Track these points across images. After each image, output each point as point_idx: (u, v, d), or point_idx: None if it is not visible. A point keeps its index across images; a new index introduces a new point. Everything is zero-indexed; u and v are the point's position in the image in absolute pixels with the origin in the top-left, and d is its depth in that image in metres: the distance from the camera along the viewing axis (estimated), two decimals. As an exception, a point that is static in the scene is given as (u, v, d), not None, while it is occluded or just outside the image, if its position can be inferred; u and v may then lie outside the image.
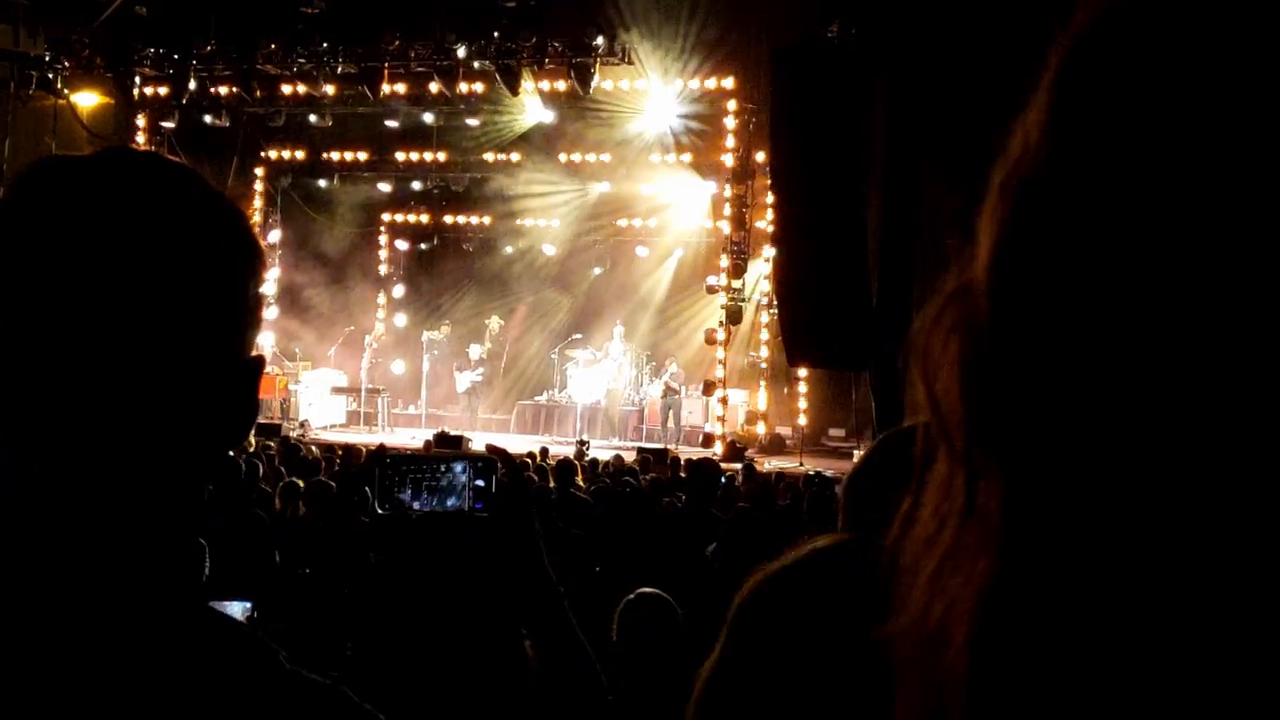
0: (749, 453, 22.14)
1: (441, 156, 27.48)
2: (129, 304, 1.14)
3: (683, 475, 13.82)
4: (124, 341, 1.14)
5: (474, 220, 30.22)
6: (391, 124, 26.26)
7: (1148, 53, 0.58)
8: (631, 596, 5.26)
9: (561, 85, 23.27)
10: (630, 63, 22.46)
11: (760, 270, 24.59)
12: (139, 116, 26.79)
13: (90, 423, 1.14)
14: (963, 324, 0.64)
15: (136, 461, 1.17)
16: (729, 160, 23.85)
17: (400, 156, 27.85)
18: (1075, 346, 0.58)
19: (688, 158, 25.21)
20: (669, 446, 21.90)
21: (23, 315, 1.14)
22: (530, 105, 24.37)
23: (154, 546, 1.19)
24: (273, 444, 16.87)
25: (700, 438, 23.99)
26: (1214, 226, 0.55)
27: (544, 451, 17.57)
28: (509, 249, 30.27)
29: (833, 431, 25.47)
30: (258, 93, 25.05)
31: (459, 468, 2.12)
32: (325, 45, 24.06)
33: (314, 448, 17.12)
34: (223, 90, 25.37)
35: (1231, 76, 0.55)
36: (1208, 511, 0.55)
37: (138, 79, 25.51)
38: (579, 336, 27.74)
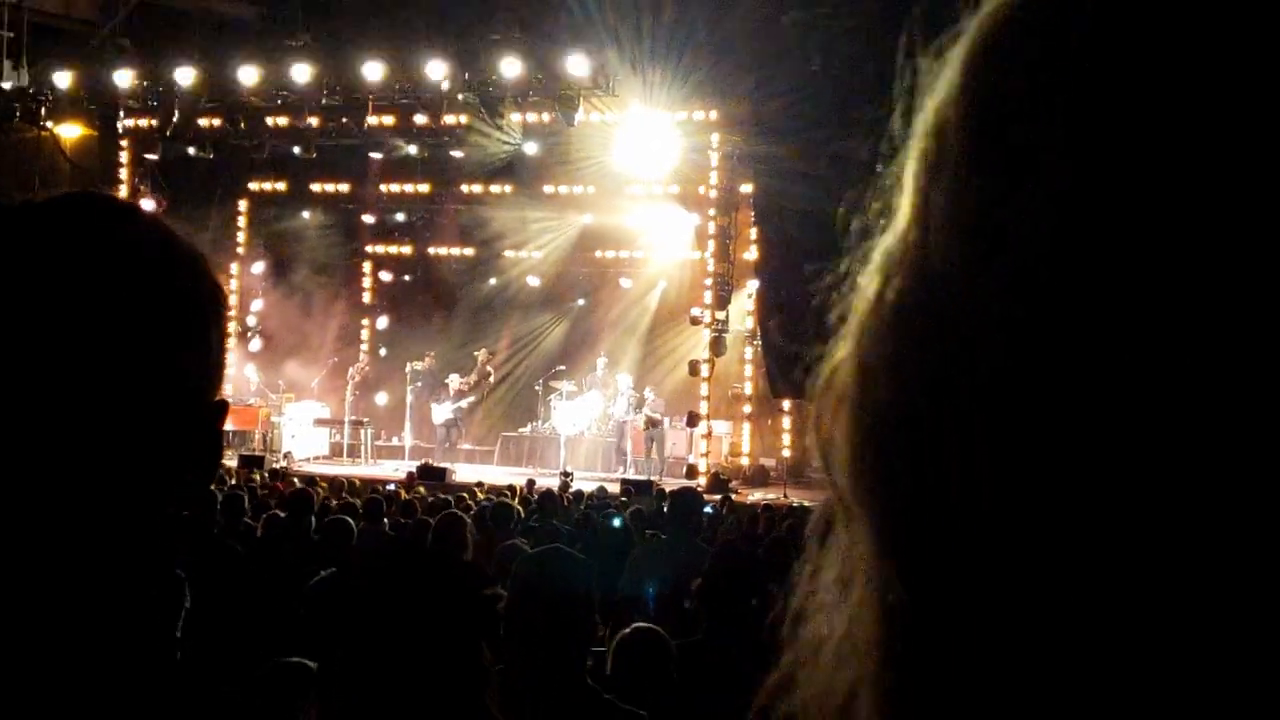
0: (732, 484, 22.12)
1: (425, 188, 27.50)
2: (87, 354, 1.14)
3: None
4: (83, 391, 1.14)
5: (458, 252, 30.23)
6: (375, 156, 26.28)
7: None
8: (627, 632, 5.25)
9: (546, 117, 23.32)
10: (614, 95, 22.52)
11: (744, 302, 24.62)
12: (122, 148, 26.77)
13: (49, 472, 1.14)
14: (842, 393, 0.64)
15: (97, 511, 1.16)
16: (712, 192, 23.90)
17: (384, 188, 27.86)
18: (931, 424, 0.58)
19: (672, 189, 25.27)
20: (653, 478, 21.88)
21: None
22: (514, 137, 24.41)
23: (118, 595, 1.18)
24: (256, 476, 16.83)
25: (684, 469, 23.97)
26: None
27: (530, 484, 17.54)
28: (493, 280, 30.30)
29: (816, 463, 25.44)
30: (241, 125, 25.06)
31: None
32: (309, 78, 24.08)
33: (295, 480, 17.07)
34: (206, 122, 25.36)
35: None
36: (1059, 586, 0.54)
37: (121, 111, 25.50)
38: (563, 368, 27.73)
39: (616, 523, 11.16)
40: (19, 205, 1.22)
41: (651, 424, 25.09)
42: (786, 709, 0.68)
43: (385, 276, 31.52)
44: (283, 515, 10.33)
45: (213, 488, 10.69)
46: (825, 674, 0.65)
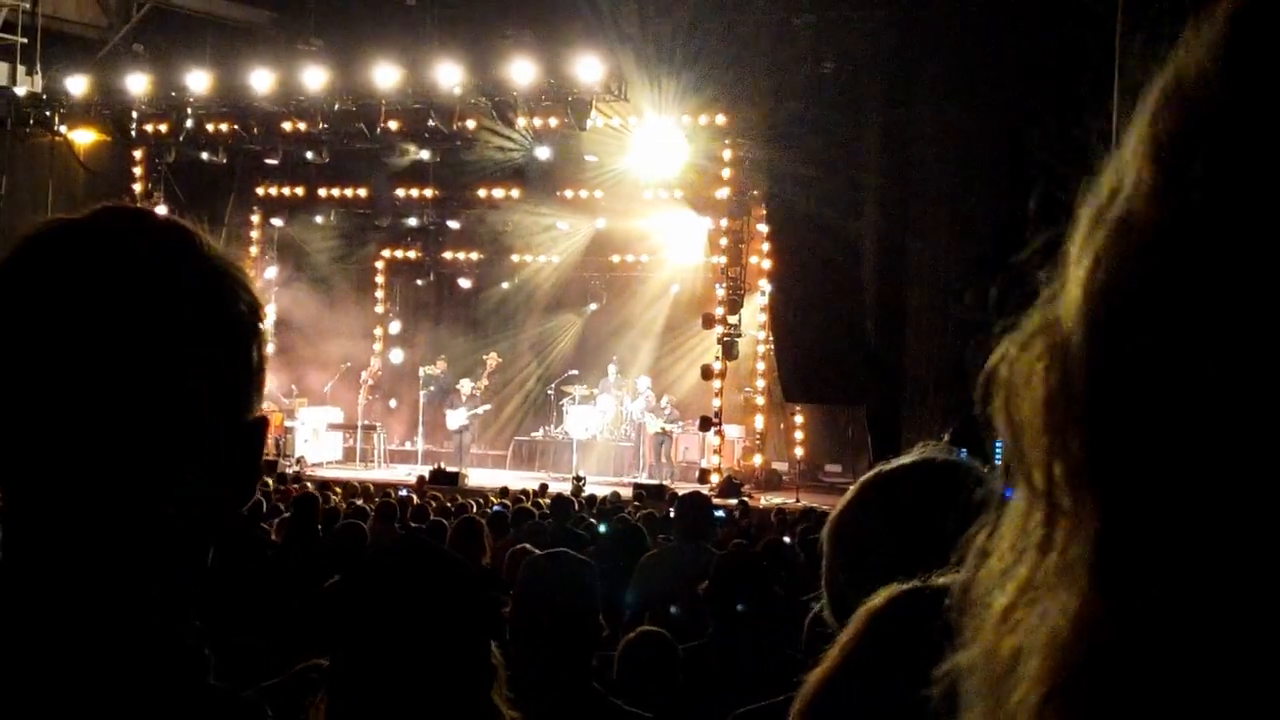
0: (745, 488, 22.10)
1: (437, 193, 27.51)
2: (130, 373, 1.14)
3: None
4: (125, 406, 1.14)
5: (470, 256, 30.24)
6: (388, 160, 26.30)
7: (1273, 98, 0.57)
8: (633, 636, 5.26)
9: (558, 121, 23.32)
10: (626, 99, 22.52)
11: (757, 305, 24.60)
12: (136, 153, 26.82)
13: (91, 487, 1.14)
14: (1053, 358, 0.63)
15: (138, 527, 1.17)
16: (725, 195, 23.88)
17: (397, 193, 27.88)
18: (1184, 386, 0.57)
19: (684, 193, 25.25)
20: (665, 482, 21.88)
21: (27, 385, 1.14)
22: (526, 142, 24.42)
23: (149, 603, 1.18)
24: (269, 481, 16.84)
25: (696, 473, 23.96)
26: None
27: (543, 488, 17.56)
28: (505, 284, 30.32)
29: (829, 467, 25.46)
30: (254, 130, 25.09)
31: None
32: (322, 82, 24.12)
33: (309, 484, 17.09)
34: (220, 127, 25.41)
35: None
36: None
37: (135, 116, 25.54)
38: (575, 372, 27.73)
39: (602, 529, 11.14)
40: (59, 223, 1.22)
41: (664, 434, 25.14)
42: (951, 666, 0.69)
43: (397, 281, 31.53)
44: (295, 520, 10.34)
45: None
46: (992, 635, 0.66)
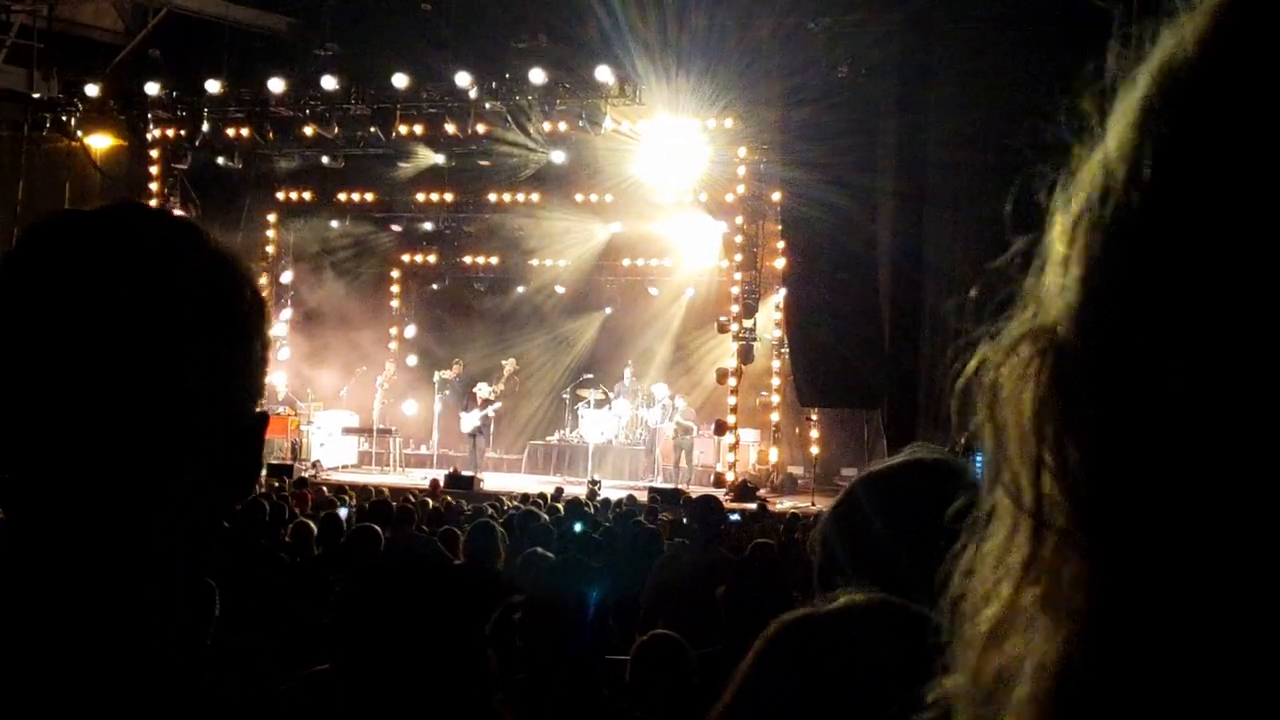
0: (761, 492, 22.09)
1: (453, 197, 27.55)
2: (131, 364, 1.14)
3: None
4: (126, 401, 1.14)
5: (485, 260, 30.27)
6: (403, 165, 26.34)
7: (1265, 88, 0.55)
8: (645, 639, 5.25)
9: (572, 126, 23.32)
10: (641, 103, 22.52)
11: (772, 309, 24.59)
12: (152, 158, 26.90)
13: (91, 479, 1.14)
14: (1043, 365, 0.61)
15: (139, 518, 1.17)
16: (739, 199, 23.87)
17: (414, 197, 27.92)
18: (1190, 390, 0.55)
19: (699, 197, 25.25)
20: (680, 486, 21.87)
21: (27, 377, 1.14)
22: (541, 146, 24.44)
23: (150, 602, 1.18)
24: (285, 484, 16.88)
25: (712, 477, 23.95)
26: None
27: (558, 491, 17.56)
28: (520, 289, 30.34)
29: (845, 471, 25.39)
30: (270, 134, 25.15)
31: None
32: (338, 87, 24.18)
33: (324, 488, 17.12)
34: (235, 132, 25.47)
35: None
36: None
37: (151, 121, 25.62)
38: (590, 376, 27.74)
39: (578, 527, 11.13)
40: (64, 214, 1.23)
41: (683, 431, 25.08)
42: (936, 690, 0.67)
43: (413, 285, 31.58)
44: (311, 524, 10.36)
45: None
46: (976, 658, 0.64)
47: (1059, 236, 0.62)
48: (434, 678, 2.13)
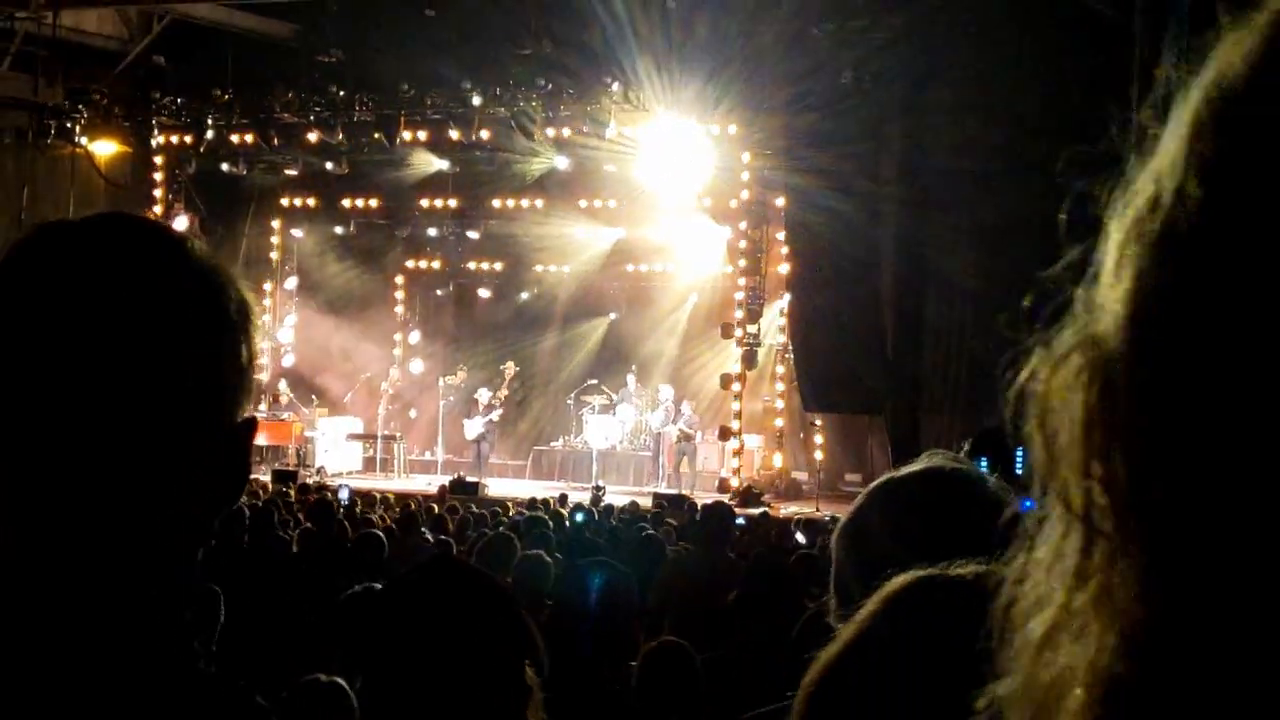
0: (765, 498, 22.08)
1: (457, 203, 27.56)
2: (113, 375, 1.15)
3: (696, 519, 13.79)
4: (108, 411, 1.15)
5: (490, 266, 30.28)
6: (407, 171, 26.36)
7: None
8: (652, 645, 5.25)
9: (576, 131, 23.33)
10: (645, 109, 22.52)
11: (776, 315, 24.59)
12: (156, 165, 26.93)
13: (74, 491, 1.15)
14: (1093, 376, 0.61)
15: (124, 530, 1.17)
16: (743, 204, 23.88)
17: (417, 203, 27.95)
18: (1238, 405, 0.55)
19: (704, 203, 25.25)
20: (684, 492, 21.86)
21: (11, 385, 1.14)
22: (545, 151, 24.46)
23: (143, 612, 1.19)
24: (285, 489, 16.89)
25: (716, 483, 23.94)
26: None
27: (563, 498, 17.56)
28: (524, 294, 30.35)
29: (849, 476, 25.38)
30: (274, 141, 25.17)
31: None
32: (342, 94, 24.21)
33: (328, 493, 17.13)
34: (240, 138, 25.49)
35: None
36: None
37: (155, 128, 25.65)
38: (594, 382, 27.74)
39: (579, 517, 11.27)
40: (48, 224, 1.24)
41: (685, 438, 25.07)
42: (990, 696, 0.67)
43: (417, 291, 31.59)
44: (314, 529, 10.37)
45: (247, 503, 10.74)
46: (1030, 665, 0.64)
47: (1111, 247, 0.63)
48: (473, 693, 2.10)
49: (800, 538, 13.22)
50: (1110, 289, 0.62)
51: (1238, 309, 0.56)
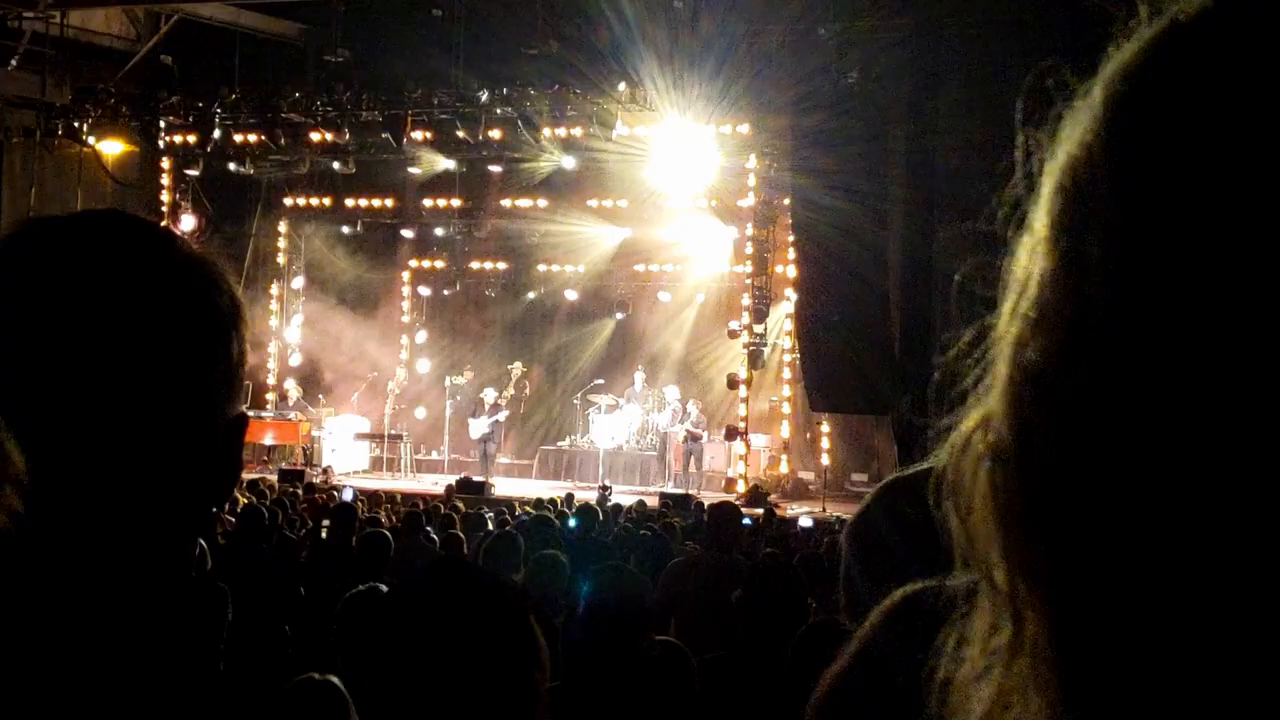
0: (771, 497, 22.06)
1: (464, 203, 27.56)
2: (99, 371, 1.15)
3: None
4: (99, 405, 1.15)
5: (496, 266, 30.25)
6: (414, 170, 26.37)
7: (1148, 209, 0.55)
8: (652, 645, 5.24)
9: (583, 132, 23.33)
10: (651, 109, 22.52)
11: (783, 314, 24.58)
12: (164, 165, 26.95)
13: (63, 486, 1.15)
14: (990, 456, 0.61)
15: (113, 526, 1.17)
16: (750, 205, 23.88)
17: (424, 203, 27.95)
18: (1116, 485, 0.55)
19: (710, 203, 25.25)
20: (691, 492, 21.85)
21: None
22: (552, 152, 24.45)
23: (141, 609, 1.19)
24: (292, 489, 16.90)
25: (723, 482, 23.93)
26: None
27: (569, 497, 17.55)
28: (531, 294, 30.30)
29: (855, 476, 25.38)
30: (281, 140, 25.17)
31: None
32: (349, 93, 24.22)
33: (335, 493, 17.14)
34: (247, 138, 25.50)
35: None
36: None
37: (163, 127, 25.67)
38: (601, 382, 27.71)
39: (572, 523, 11.44)
40: (35, 220, 1.24)
41: (692, 438, 25.06)
42: None
43: (424, 291, 31.55)
44: (322, 529, 10.37)
45: (255, 504, 10.75)
46: None
47: (1000, 321, 0.63)
48: (481, 702, 2.08)
49: (806, 536, 13.22)
50: (998, 368, 0.62)
51: (1101, 393, 0.56)
